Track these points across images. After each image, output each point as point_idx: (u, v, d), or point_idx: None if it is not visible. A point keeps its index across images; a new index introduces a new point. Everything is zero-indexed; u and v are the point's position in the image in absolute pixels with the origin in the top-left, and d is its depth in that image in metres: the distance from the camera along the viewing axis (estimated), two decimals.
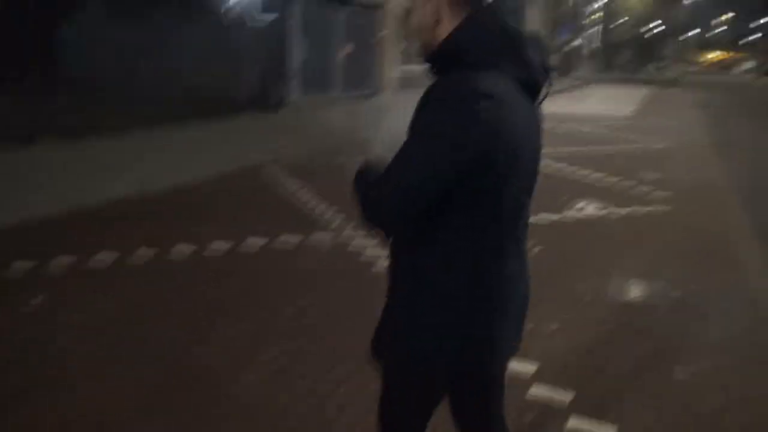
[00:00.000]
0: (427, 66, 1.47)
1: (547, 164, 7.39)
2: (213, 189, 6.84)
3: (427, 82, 1.40)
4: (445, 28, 1.41)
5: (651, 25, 57.72)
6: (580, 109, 18.15)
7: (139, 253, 4.59)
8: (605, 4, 50.74)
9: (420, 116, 1.34)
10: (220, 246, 4.82)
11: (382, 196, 1.33)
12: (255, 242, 4.95)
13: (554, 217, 6.11)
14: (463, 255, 1.38)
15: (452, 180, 1.30)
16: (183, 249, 4.73)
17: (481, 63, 1.34)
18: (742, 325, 3.83)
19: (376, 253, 4.73)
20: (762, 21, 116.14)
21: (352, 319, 3.60)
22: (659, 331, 3.72)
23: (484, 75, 1.32)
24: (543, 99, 1.46)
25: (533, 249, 3.87)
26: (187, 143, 9.55)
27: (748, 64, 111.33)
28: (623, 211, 6.48)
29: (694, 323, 3.84)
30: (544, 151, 1.53)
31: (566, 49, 38.03)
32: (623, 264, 4.88)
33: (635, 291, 4.35)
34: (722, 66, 73.54)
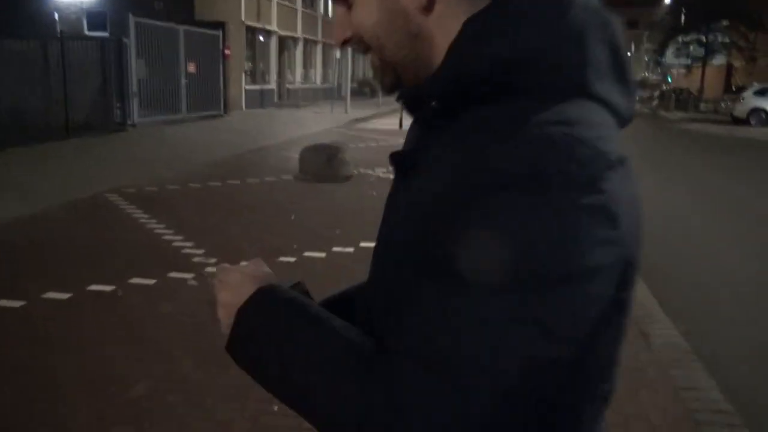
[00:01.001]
0: (409, 103, 0.76)
1: None
2: (42, 227, 5.88)
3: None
4: (445, 26, 0.71)
5: None
6: None
7: None
8: None
9: (452, 223, 0.62)
10: (53, 297, 4.04)
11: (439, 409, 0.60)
12: (98, 291, 4.22)
13: None
14: None
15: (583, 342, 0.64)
16: (7, 303, 3.90)
17: (568, 90, 0.67)
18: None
19: None
20: None
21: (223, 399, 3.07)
22: None
23: (583, 111, 0.67)
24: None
25: None
26: (10, 174, 8.30)
27: None
28: None
29: None
30: None
31: None
32: None
33: None
34: None
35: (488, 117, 0.66)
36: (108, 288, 4.24)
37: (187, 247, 5.28)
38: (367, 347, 0.68)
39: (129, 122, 13.99)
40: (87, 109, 12.88)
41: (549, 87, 0.67)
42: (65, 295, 4.08)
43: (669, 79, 52.20)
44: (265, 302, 0.75)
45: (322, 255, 5.06)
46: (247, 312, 0.74)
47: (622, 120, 0.74)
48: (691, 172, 11.84)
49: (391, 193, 0.81)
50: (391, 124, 17.65)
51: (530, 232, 0.59)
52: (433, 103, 0.71)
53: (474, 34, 0.68)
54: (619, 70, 0.73)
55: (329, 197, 7.47)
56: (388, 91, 0.79)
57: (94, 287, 4.24)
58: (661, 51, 44.73)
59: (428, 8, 0.71)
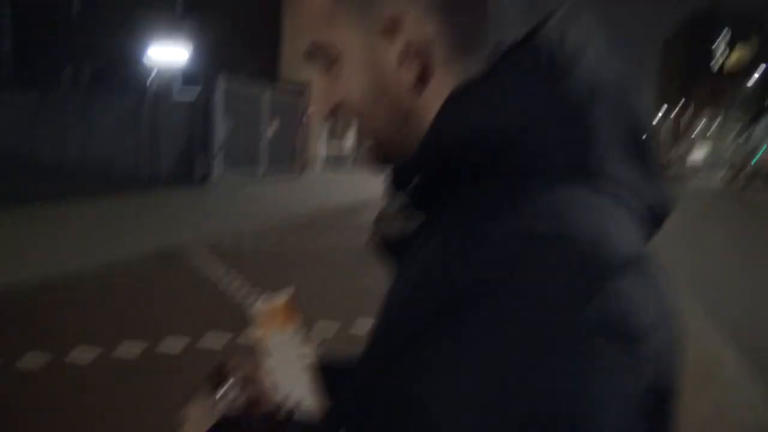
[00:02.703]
0: (396, 180, 0.64)
1: None
2: (124, 276, 5.94)
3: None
4: (435, 98, 0.59)
5: None
6: None
7: (28, 358, 3.69)
8: None
9: (444, 332, 0.47)
10: (130, 348, 3.98)
11: None
12: (173, 343, 4.13)
13: None
14: None
15: None
16: (83, 353, 3.85)
17: (566, 172, 0.54)
18: None
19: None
20: None
21: None
22: None
23: (586, 197, 0.52)
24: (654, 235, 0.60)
25: None
26: (97, 221, 8.58)
27: None
28: None
29: None
30: None
31: None
32: None
33: None
34: None
35: (467, 205, 0.55)
36: (182, 341, 4.15)
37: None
38: None
39: (212, 176, 14.43)
40: (172, 163, 13.38)
41: (541, 167, 0.54)
42: (140, 345, 4.01)
43: (758, 156, 49.98)
44: None
45: None
46: None
47: (652, 214, 0.57)
48: None
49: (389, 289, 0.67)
50: None
51: (509, 363, 0.44)
52: (415, 180, 0.61)
53: (452, 106, 0.58)
54: (642, 150, 0.58)
55: None
56: (376, 164, 0.68)
57: (168, 339, 4.15)
58: (750, 124, 43.14)
59: (418, 89, 0.61)
